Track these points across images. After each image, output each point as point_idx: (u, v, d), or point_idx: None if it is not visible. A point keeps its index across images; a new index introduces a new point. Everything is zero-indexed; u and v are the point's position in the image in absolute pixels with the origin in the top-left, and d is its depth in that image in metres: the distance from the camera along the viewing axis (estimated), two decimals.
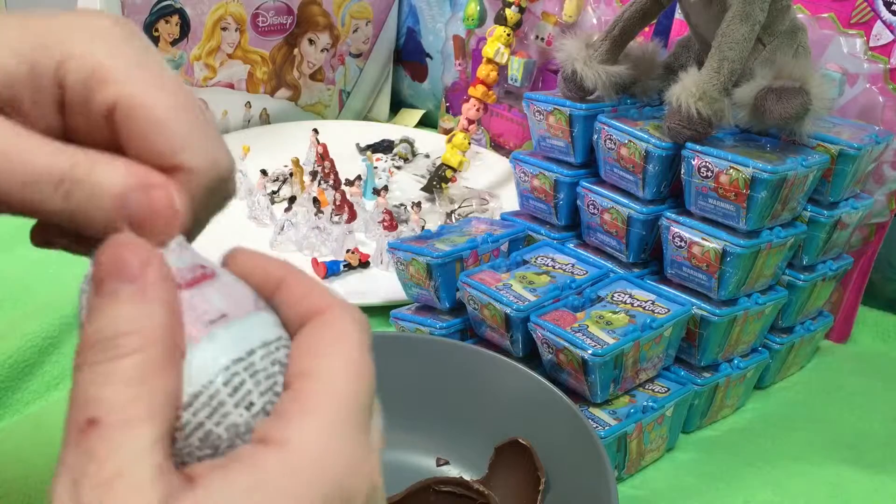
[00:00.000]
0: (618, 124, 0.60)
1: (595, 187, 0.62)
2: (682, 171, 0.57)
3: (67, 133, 0.23)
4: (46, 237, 0.26)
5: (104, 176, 0.22)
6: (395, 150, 1.00)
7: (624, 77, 0.62)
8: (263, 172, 0.88)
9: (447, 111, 1.08)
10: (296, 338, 0.22)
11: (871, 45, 0.66)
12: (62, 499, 0.19)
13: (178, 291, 0.22)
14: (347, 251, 0.76)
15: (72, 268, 0.72)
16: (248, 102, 0.99)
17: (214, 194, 0.24)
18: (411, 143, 1.00)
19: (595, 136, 0.62)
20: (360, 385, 0.21)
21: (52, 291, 0.68)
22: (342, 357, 0.21)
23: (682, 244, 0.57)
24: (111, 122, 0.22)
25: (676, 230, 0.57)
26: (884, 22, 0.65)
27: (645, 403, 0.53)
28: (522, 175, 0.67)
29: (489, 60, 0.88)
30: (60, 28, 0.23)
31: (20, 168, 0.21)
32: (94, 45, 0.22)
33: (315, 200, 0.80)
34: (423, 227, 0.80)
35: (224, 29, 0.93)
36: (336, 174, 0.84)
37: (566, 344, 0.51)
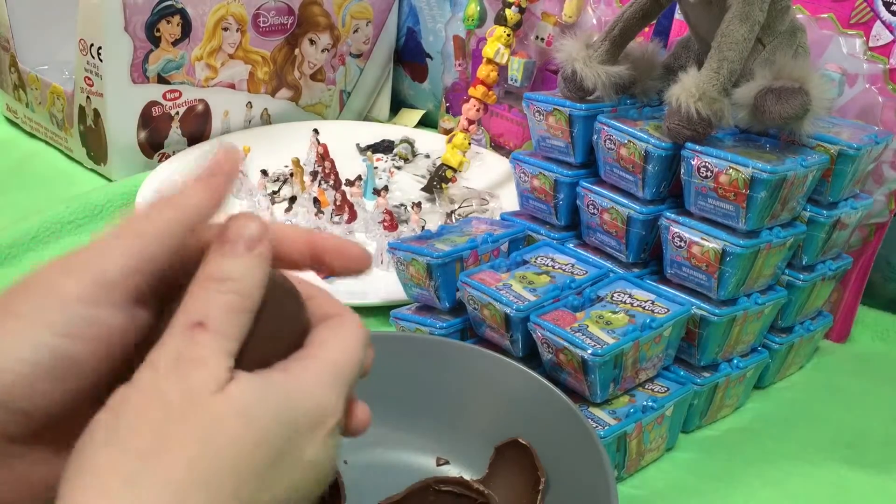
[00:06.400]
0: (617, 124, 0.60)
1: (595, 187, 0.62)
2: (682, 171, 0.57)
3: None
4: None
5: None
6: (395, 151, 1.00)
7: (624, 77, 0.62)
8: (264, 173, 0.88)
9: (447, 111, 1.08)
10: (319, 325, 0.32)
11: (871, 45, 0.67)
12: (159, 364, 0.27)
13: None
14: None
15: None
16: (250, 103, 0.99)
17: None
18: (411, 144, 1.00)
19: (595, 137, 0.62)
20: (348, 359, 0.31)
21: None
22: (341, 339, 0.32)
23: (682, 244, 0.57)
24: None
25: (676, 230, 0.57)
26: (883, 22, 0.66)
27: (645, 403, 0.54)
28: (522, 175, 0.67)
29: (489, 61, 0.88)
30: None
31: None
32: None
33: (315, 201, 0.80)
34: (423, 228, 0.80)
35: (225, 29, 0.93)
36: (336, 174, 0.84)
37: (566, 344, 0.51)
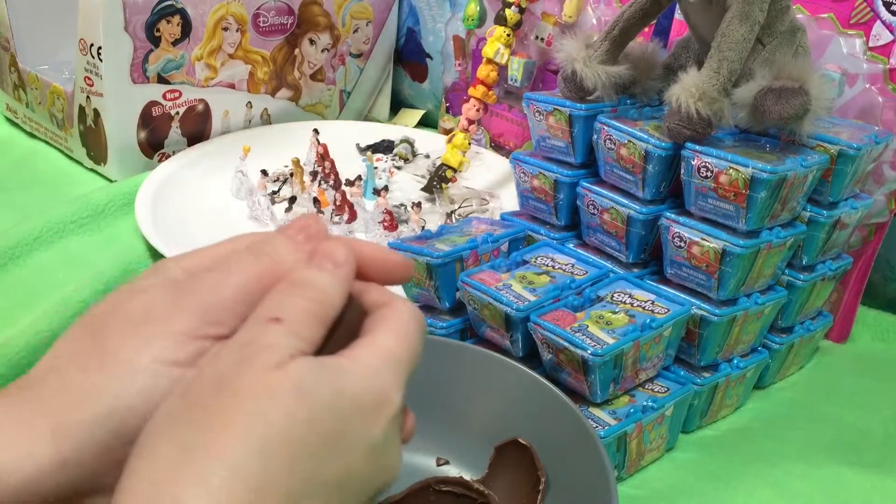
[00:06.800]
0: (617, 124, 0.60)
1: (595, 187, 0.62)
2: (682, 171, 0.57)
3: None
4: None
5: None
6: (395, 151, 1.00)
7: (624, 77, 0.62)
8: (264, 173, 0.88)
9: (447, 111, 1.08)
10: (373, 312, 0.33)
11: (871, 45, 0.67)
12: (225, 348, 0.28)
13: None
14: None
15: (77, 272, 0.73)
16: (249, 102, 0.99)
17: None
18: (411, 144, 1.00)
19: (595, 137, 0.62)
20: (401, 345, 0.31)
21: (60, 294, 0.68)
22: (394, 327, 0.32)
23: (682, 244, 0.57)
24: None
25: (676, 230, 0.57)
26: (883, 22, 0.66)
27: (645, 403, 0.54)
28: (522, 175, 0.67)
29: (489, 61, 0.88)
30: None
31: None
32: None
33: (315, 201, 0.80)
34: (423, 228, 0.80)
35: (225, 29, 0.93)
36: (336, 174, 0.84)
37: (566, 344, 0.51)
